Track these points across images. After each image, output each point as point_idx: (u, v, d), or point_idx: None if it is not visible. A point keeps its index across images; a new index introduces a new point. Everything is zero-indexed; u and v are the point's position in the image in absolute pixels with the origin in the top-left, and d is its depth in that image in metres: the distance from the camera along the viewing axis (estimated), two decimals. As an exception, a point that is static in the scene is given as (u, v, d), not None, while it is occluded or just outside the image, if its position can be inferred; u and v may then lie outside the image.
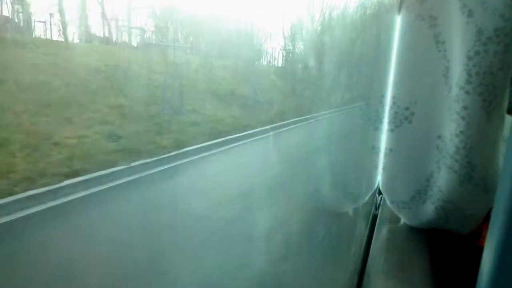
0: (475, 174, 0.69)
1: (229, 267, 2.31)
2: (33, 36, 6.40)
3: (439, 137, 0.76)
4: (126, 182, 3.55)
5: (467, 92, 0.65)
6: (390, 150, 0.82)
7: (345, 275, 0.76)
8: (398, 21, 0.78)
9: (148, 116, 5.17)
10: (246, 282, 2.16)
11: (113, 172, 3.61)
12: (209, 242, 2.61)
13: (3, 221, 2.60)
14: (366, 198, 0.96)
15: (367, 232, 0.93)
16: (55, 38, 6.48)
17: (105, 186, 3.38)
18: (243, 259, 2.41)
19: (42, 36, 6.57)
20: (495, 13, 0.60)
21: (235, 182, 3.91)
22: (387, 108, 0.82)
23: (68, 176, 3.30)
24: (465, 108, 0.66)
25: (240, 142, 5.53)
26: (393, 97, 0.79)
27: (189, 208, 3.10)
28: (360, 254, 0.83)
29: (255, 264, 2.35)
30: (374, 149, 0.88)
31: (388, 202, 0.88)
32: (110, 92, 5.36)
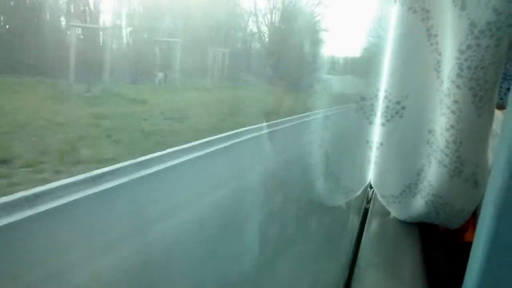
0: (465, 169, 0.70)
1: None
2: None
3: (430, 131, 0.76)
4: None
5: (457, 86, 0.65)
6: (381, 144, 0.82)
7: (337, 267, 0.77)
8: (393, 13, 0.78)
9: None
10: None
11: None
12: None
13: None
14: (359, 192, 0.96)
15: (358, 225, 0.93)
16: None
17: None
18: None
19: None
20: (488, 6, 0.60)
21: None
22: (380, 102, 0.82)
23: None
24: (455, 102, 0.66)
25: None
26: (385, 91, 0.79)
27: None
28: (351, 247, 0.83)
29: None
30: (368, 144, 0.88)
31: (378, 196, 0.89)
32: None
